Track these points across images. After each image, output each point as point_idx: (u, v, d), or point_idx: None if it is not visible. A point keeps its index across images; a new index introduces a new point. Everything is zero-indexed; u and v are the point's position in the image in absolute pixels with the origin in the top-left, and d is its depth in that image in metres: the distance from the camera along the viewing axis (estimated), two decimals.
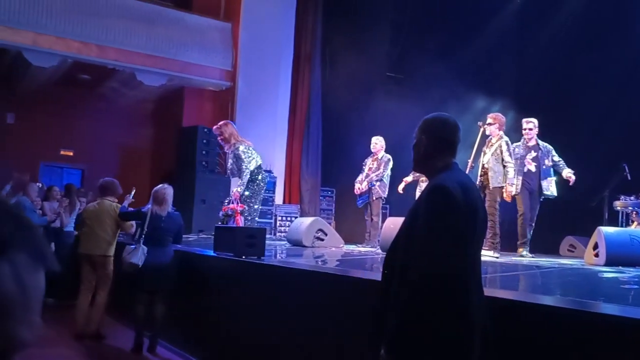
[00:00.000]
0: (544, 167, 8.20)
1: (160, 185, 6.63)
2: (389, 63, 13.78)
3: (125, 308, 7.20)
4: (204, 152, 11.79)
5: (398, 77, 13.56)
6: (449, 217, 2.35)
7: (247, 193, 8.01)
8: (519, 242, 8.23)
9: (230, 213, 7.83)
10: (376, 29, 12.75)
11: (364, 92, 12.86)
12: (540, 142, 8.36)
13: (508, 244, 10.45)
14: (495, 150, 7.90)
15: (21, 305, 0.68)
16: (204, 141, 11.80)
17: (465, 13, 12.03)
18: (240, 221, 7.77)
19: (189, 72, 12.23)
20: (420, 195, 2.52)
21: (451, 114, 2.72)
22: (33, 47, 10.74)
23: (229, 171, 8.13)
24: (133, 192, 7.04)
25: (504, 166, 7.82)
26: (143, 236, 6.28)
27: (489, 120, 8.05)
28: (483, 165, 7.89)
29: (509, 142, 7.97)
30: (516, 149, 8.25)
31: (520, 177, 8.13)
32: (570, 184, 8.08)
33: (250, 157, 8.09)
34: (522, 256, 7.95)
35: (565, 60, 10.79)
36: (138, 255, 6.16)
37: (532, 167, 8.22)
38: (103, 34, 11.31)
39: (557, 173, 8.29)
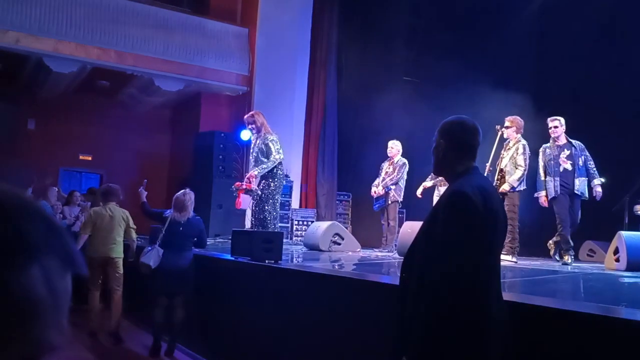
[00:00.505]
0: (579, 164, 7.75)
1: (182, 191, 6.65)
2: (405, 67, 13.73)
3: (143, 312, 7.22)
4: (220, 157, 11.81)
5: (414, 81, 13.50)
6: (468, 222, 2.31)
7: (271, 187, 7.78)
8: (563, 249, 7.83)
9: (243, 188, 7.72)
10: (392, 33, 12.72)
11: (379, 97, 12.80)
12: (571, 140, 7.95)
13: (527, 249, 10.38)
14: (513, 153, 7.85)
15: (51, 309, 0.67)
16: (221, 146, 11.83)
17: (482, 15, 11.93)
18: (242, 200, 7.67)
19: (205, 77, 12.28)
20: (439, 200, 2.49)
21: (469, 116, 2.68)
22: (54, 53, 10.86)
23: (252, 161, 7.96)
24: (145, 184, 7.02)
25: (517, 168, 7.78)
26: (160, 240, 6.30)
27: (506, 124, 7.99)
28: (501, 169, 7.84)
29: (526, 146, 7.91)
30: (547, 150, 7.98)
31: (557, 179, 7.76)
32: (597, 198, 7.70)
33: (279, 148, 7.92)
34: (565, 263, 7.59)
35: (586, 61, 10.64)
36: (152, 256, 6.19)
37: (567, 165, 7.76)
38: (121, 40, 11.42)
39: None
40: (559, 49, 11.19)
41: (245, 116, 8.31)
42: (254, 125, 8.08)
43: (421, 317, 2.29)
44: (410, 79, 13.66)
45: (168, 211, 6.52)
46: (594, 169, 7.80)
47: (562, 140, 7.93)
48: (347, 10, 13.30)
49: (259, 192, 7.71)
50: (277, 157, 7.77)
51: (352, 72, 13.15)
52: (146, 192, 6.90)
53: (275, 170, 7.83)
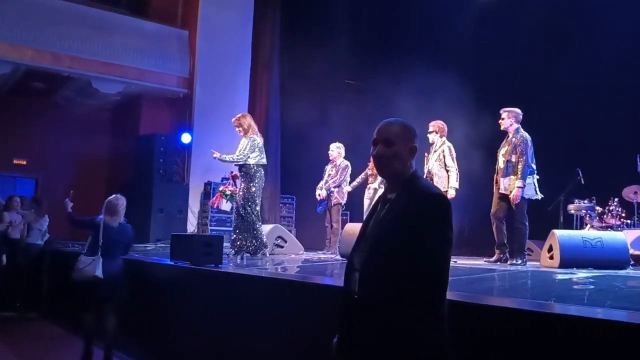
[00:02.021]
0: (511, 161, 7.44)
1: (114, 195, 6.52)
2: (347, 70, 13.84)
3: (76, 319, 7.04)
4: (161, 161, 11.65)
5: (357, 84, 13.62)
6: (450, 226, 2.35)
7: (253, 189, 7.97)
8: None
9: (228, 193, 8.13)
10: (334, 36, 12.78)
11: (322, 99, 12.87)
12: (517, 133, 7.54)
13: (467, 249, 10.62)
14: (439, 155, 8.07)
15: None
16: (161, 149, 11.66)
17: (423, 18, 12.14)
18: (220, 203, 8.09)
19: (145, 79, 12.09)
20: (405, 204, 2.39)
21: (406, 119, 2.69)
22: None
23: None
24: (71, 195, 6.80)
25: (447, 170, 8.00)
26: (100, 247, 6.14)
27: (430, 129, 8.23)
28: (429, 170, 8.06)
29: (452, 147, 8.14)
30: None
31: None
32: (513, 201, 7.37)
33: (262, 151, 8.14)
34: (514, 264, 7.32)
35: (522, 66, 10.98)
36: (98, 266, 6.03)
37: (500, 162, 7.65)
38: (58, 41, 11.11)
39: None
40: (497, 48, 11.46)
41: (233, 119, 8.32)
42: (240, 128, 8.13)
43: (387, 315, 2.25)
44: (353, 82, 13.78)
45: (99, 217, 6.36)
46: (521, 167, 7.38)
47: (509, 133, 7.65)
48: (290, 12, 13.30)
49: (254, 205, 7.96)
50: (254, 157, 7.97)
51: (295, 74, 13.17)
52: (72, 203, 6.66)
53: (254, 173, 7.99)
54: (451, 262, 6.81)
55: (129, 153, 12.44)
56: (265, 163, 8.24)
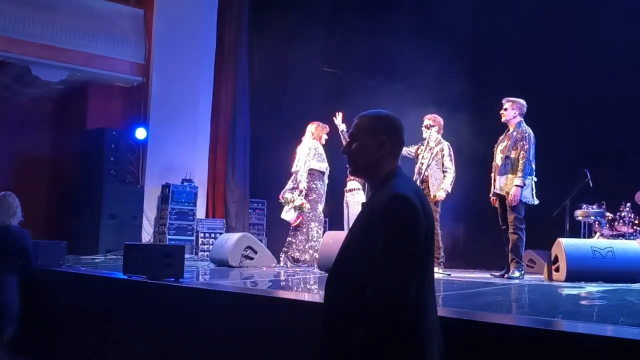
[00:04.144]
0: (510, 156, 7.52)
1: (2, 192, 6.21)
2: (325, 57, 13.84)
3: None
4: (112, 159, 11.55)
5: (336, 73, 13.65)
6: (412, 232, 2.32)
7: (314, 196, 9.07)
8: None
9: (297, 205, 8.89)
10: (310, 18, 12.79)
11: (297, 90, 12.88)
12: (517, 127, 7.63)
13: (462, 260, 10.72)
14: (436, 155, 8.11)
15: None
16: (112, 146, 11.56)
17: (412, 2, 12.22)
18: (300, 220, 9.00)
19: (93, 65, 11.98)
20: (372, 207, 2.44)
21: (393, 112, 2.73)
22: None
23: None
24: None
25: (444, 172, 8.06)
26: None
27: (428, 122, 8.26)
28: (421, 170, 8.10)
29: (450, 147, 8.20)
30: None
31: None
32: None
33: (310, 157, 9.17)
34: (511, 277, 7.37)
35: (524, 54, 11.08)
36: None
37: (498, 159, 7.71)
38: None
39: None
40: (496, 32, 11.55)
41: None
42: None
43: (362, 342, 2.27)
44: (332, 70, 13.80)
45: None
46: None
47: (510, 127, 7.70)
48: None
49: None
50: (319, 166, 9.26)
51: (266, 61, 13.16)
52: None
53: (322, 181, 9.32)
54: (444, 275, 6.91)
55: (75, 150, 12.31)
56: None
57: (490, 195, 7.82)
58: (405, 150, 7.88)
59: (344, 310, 2.38)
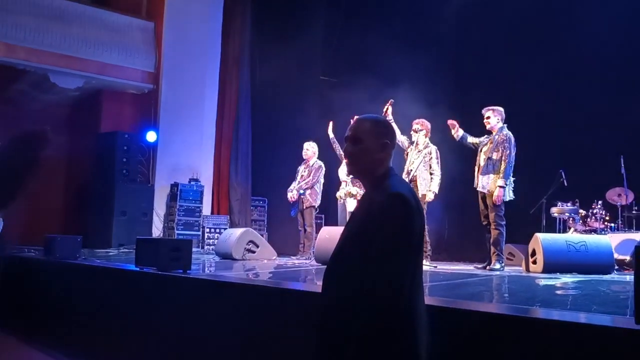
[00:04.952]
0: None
1: None
2: (322, 66, 13.86)
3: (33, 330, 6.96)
4: (124, 160, 11.55)
5: (332, 81, 13.65)
6: (409, 229, 2.33)
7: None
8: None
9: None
10: (308, 29, 12.80)
11: (296, 96, 12.89)
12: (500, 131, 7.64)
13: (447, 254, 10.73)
14: (424, 157, 8.14)
15: None
16: (124, 148, 11.57)
17: (404, 11, 12.20)
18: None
19: (107, 73, 11.97)
20: (369, 205, 2.45)
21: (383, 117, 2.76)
22: None
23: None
24: None
25: (431, 174, 8.10)
26: None
27: (416, 127, 8.29)
28: (410, 171, 8.16)
29: (437, 150, 8.23)
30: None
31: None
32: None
33: None
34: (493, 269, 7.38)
35: (501, 61, 11.11)
36: None
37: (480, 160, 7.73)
38: (12, 31, 10.95)
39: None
40: (477, 50, 11.61)
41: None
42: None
43: (358, 333, 2.28)
44: (328, 78, 13.81)
45: None
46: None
47: (493, 132, 7.71)
48: (262, 3, 13.27)
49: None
50: None
51: (267, 69, 13.15)
52: None
53: None
54: (430, 267, 6.91)
55: (89, 152, 12.30)
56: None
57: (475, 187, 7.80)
58: (399, 140, 7.96)
59: (342, 302, 2.38)
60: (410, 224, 2.34)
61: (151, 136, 12.01)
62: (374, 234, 2.32)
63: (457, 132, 7.99)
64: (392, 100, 8.23)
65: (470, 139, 7.93)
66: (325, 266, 2.64)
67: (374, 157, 2.53)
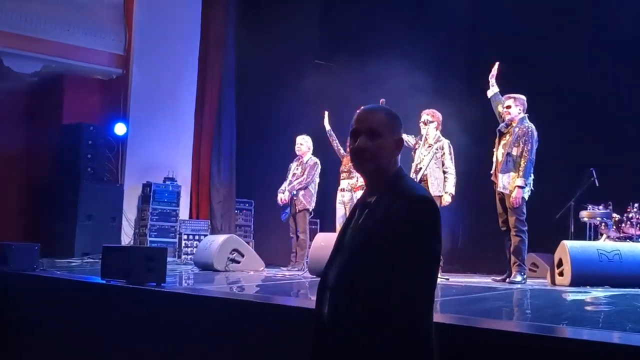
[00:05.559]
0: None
1: None
2: (316, 48, 13.84)
3: None
4: (89, 156, 11.52)
5: (328, 65, 13.64)
6: (438, 237, 2.38)
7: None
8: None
9: None
10: (302, 7, 12.79)
11: (287, 83, 12.86)
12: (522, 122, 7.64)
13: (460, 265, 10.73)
14: (436, 153, 8.10)
15: None
16: (89, 142, 11.53)
17: None
18: None
19: (69, 56, 11.94)
20: (388, 208, 2.41)
21: (390, 107, 2.74)
22: None
23: None
24: None
25: (444, 172, 8.06)
26: None
27: (427, 118, 8.23)
28: (418, 169, 8.10)
29: (450, 145, 8.20)
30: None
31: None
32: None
33: None
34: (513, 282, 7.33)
35: (523, 44, 11.08)
36: None
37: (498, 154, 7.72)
38: None
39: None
40: (496, 22, 11.56)
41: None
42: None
43: (381, 348, 2.27)
44: (323, 63, 13.79)
45: None
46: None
47: (513, 123, 7.68)
48: None
49: None
50: None
51: (254, 52, 13.13)
52: None
53: None
54: (442, 279, 6.92)
55: (50, 146, 12.27)
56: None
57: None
58: (405, 140, 7.92)
59: (356, 325, 2.34)
60: (439, 233, 2.38)
61: (120, 129, 11.98)
62: (396, 244, 2.31)
63: (493, 86, 7.91)
64: (383, 100, 8.18)
65: (500, 107, 7.83)
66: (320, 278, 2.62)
67: (390, 154, 2.53)
